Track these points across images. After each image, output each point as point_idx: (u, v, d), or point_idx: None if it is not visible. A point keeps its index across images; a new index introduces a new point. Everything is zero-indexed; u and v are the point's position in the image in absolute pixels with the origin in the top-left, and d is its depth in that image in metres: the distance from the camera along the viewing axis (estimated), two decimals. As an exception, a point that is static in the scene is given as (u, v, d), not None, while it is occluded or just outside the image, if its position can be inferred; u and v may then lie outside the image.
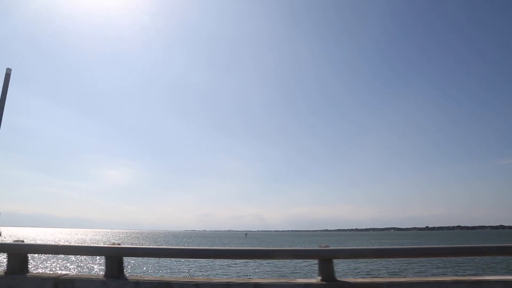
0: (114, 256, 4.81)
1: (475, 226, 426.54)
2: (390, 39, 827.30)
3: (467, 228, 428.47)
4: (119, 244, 5.03)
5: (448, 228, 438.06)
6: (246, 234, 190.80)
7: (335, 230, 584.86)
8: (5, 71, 58.99)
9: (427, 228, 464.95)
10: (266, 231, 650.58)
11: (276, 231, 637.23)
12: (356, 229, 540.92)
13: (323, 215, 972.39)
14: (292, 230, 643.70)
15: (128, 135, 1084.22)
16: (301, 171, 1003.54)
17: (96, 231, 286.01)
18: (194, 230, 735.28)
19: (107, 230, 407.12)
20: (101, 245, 5.19)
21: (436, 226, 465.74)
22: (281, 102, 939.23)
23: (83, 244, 5.48)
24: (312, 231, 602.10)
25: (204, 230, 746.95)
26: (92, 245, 5.36)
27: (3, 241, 5.25)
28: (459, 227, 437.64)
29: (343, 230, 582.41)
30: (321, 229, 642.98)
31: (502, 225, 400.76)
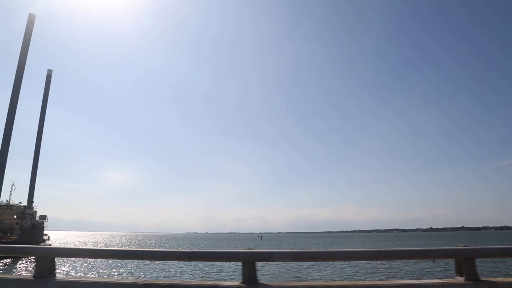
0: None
1: (480, 227, 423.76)
2: (391, 40, 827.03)
3: (471, 229, 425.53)
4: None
5: (452, 229, 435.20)
6: (261, 237, 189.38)
7: (338, 232, 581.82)
8: (46, 73, 58.99)
9: (431, 229, 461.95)
10: (269, 233, 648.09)
11: (279, 233, 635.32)
12: (360, 231, 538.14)
13: (325, 217, 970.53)
14: (294, 232, 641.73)
15: (130, 138, 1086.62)
16: (303, 173, 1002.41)
17: (98, 234, 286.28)
18: (196, 233, 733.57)
19: (110, 233, 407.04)
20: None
21: (440, 227, 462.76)
22: (283, 104, 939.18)
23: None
24: (315, 232, 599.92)
25: (207, 233, 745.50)
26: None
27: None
28: (463, 228, 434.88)
29: (346, 231, 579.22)
30: (324, 231, 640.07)
31: (507, 226, 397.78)
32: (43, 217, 53.51)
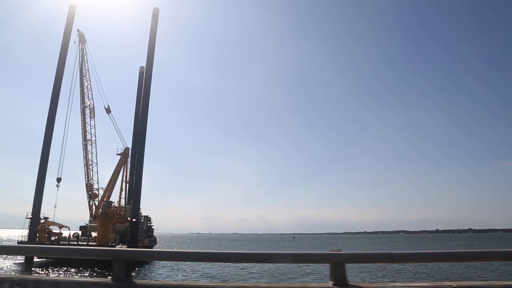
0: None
1: (487, 229, 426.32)
2: (394, 41, 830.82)
3: (479, 231, 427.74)
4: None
5: (459, 231, 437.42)
6: (294, 238, 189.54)
7: (342, 233, 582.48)
8: (138, 70, 56.41)
9: (437, 231, 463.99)
10: (272, 234, 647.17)
11: (283, 234, 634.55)
12: (365, 232, 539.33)
13: (328, 218, 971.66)
14: (297, 233, 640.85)
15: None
16: (305, 173, 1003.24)
17: None
18: (199, 233, 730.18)
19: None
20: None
21: (447, 229, 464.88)
22: (286, 104, 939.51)
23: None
24: (319, 234, 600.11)
25: (210, 233, 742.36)
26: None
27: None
28: (470, 230, 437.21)
29: (351, 233, 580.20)
30: (328, 232, 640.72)
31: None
32: (148, 219, 52.49)
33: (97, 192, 40.96)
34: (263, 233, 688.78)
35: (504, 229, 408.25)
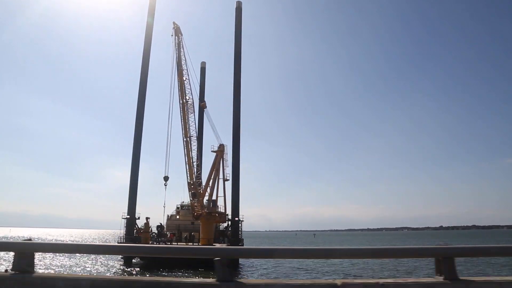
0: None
1: (491, 226, 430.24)
2: (394, 39, 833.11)
3: (483, 227, 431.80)
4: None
5: (464, 227, 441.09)
6: (314, 235, 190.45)
7: (346, 230, 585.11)
8: (200, 65, 55.51)
9: (441, 227, 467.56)
10: (274, 231, 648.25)
11: (285, 231, 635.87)
12: (368, 229, 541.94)
13: (329, 215, 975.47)
14: (299, 230, 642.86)
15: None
16: (305, 171, 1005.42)
17: (105, 232, 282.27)
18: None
19: (115, 231, 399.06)
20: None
21: (451, 225, 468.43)
22: (286, 102, 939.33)
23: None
24: (321, 231, 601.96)
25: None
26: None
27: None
28: (474, 226, 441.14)
29: (354, 230, 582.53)
30: (330, 229, 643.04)
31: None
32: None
33: (201, 191, 39.50)
34: (265, 230, 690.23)
35: (508, 226, 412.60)
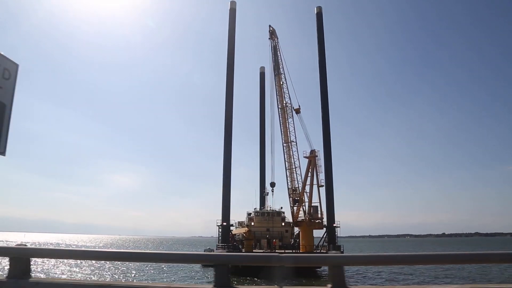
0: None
1: (495, 233, 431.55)
2: (393, 43, 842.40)
3: (486, 235, 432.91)
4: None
5: (467, 235, 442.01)
6: None
7: (347, 237, 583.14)
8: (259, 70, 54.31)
9: (443, 234, 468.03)
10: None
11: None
12: (370, 236, 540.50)
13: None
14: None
15: (135, 141, 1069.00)
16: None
17: (103, 237, 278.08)
18: (201, 237, 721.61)
19: (116, 236, 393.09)
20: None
21: (453, 233, 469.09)
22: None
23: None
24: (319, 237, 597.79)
25: (212, 237, 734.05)
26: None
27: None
28: (477, 233, 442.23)
29: (355, 236, 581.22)
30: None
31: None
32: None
33: (303, 198, 38.77)
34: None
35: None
